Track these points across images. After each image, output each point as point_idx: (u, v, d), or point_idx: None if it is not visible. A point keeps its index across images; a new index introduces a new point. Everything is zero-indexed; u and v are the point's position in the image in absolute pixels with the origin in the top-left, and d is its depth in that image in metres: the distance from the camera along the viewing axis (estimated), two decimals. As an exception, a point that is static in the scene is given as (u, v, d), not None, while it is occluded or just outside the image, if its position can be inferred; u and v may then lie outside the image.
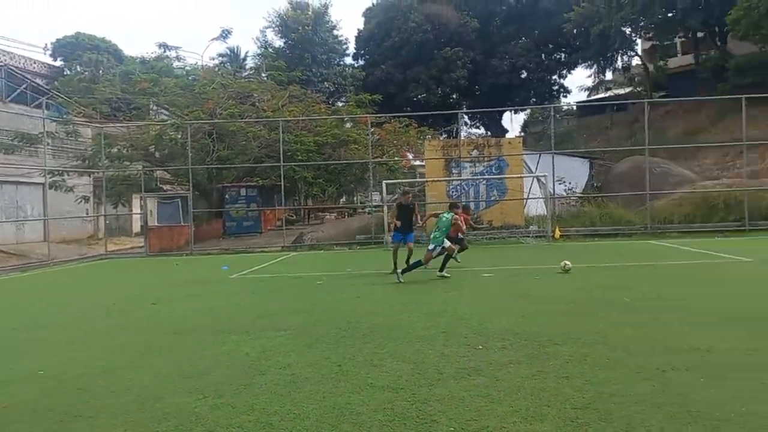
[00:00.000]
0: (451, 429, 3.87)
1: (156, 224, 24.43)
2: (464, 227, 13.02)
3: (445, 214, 11.68)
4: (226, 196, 27.35)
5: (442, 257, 11.53)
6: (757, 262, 12.07)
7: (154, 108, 28.96)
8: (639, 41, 46.11)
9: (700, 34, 40.53)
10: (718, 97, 29.98)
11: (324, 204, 36.24)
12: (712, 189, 21.38)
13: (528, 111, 55.77)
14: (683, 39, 43.44)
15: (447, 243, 11.42)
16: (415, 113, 32.72)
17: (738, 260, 12.53)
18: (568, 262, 11.54)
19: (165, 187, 29.46)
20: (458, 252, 12.92)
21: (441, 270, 11.40)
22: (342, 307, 8.71)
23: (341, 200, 42.24)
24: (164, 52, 34.30)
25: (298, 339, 6.65)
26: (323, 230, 24.25)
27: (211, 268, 15.61)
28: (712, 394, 4.29)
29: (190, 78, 30.45)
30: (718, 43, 39.15)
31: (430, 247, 11.39)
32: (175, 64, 33.95)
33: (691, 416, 3.88)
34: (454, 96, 51.04)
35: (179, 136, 24.70)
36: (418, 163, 31.18)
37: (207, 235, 25.39)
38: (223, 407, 4.49)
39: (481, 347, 5.89)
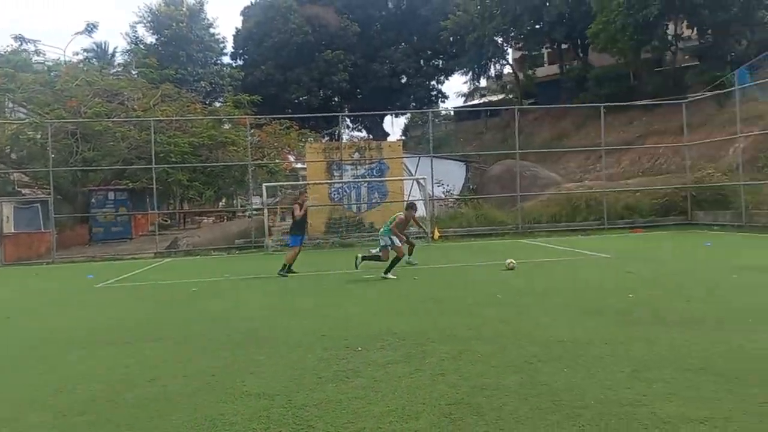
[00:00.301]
0: (328, 433, 3.81)
1: (12, 231, 22.40)
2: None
3: (398, 214, 11.97)
4: (93, 200, 25.69)
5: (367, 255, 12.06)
6: (614, 258, 13.06)
7: (10, 105, 26.64)
8: (510, 51, 48.65)
9: (564, 46, 43.45)
10: (580, 105, 32.30)
11: (201, 207, 34.95)
12: (575, 191, 22.97)
13: (408, 115, 57.12)
14: (550, 50, 46.36)
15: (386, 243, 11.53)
16: (296, 115, 32.50)
17: (598, 257, 13.50)
18: (512, 261, 11.73)
19: (23, 191, 27.17)
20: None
21: (357, 264, 11.85)
22: (218, 314, 8.39)
23: (220, 203, 40.96)
24: (21, 45, 31.46)
25: (170, 350, 6.31)
26: (200, 235, 23.42)
27: (75, 278, 14.61)
28: (574, 383, 4.53)
29: (51, 74, 28.17)
30: (581, 55, 42.18)
31: (395, 242, 11.37)
32: (34, 58, 31.26)
33: (556, 405, 4.08)
34: (336, 99, 51.20)
35: (39, 136, 22.88)
36: (299, 165, 30.88)
37: (71, 242, 23.68)
38: (84, 426, 4.15)
39: (360, 349, 5.88)
